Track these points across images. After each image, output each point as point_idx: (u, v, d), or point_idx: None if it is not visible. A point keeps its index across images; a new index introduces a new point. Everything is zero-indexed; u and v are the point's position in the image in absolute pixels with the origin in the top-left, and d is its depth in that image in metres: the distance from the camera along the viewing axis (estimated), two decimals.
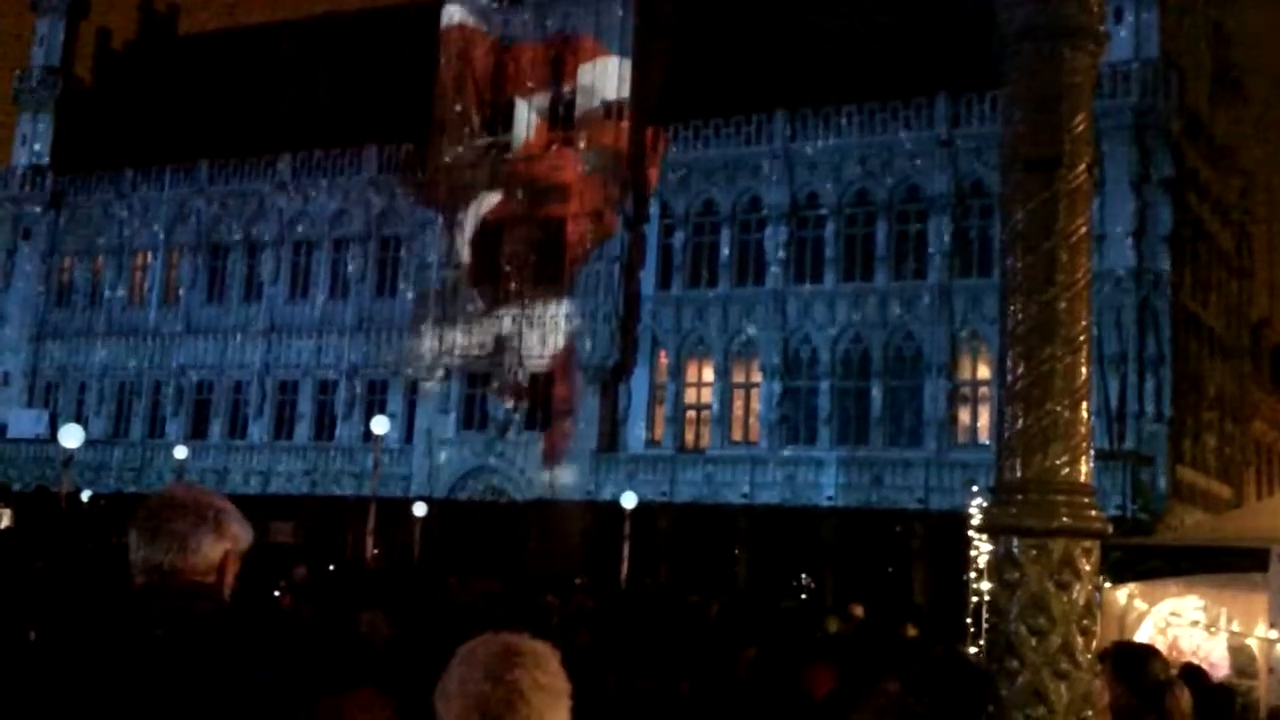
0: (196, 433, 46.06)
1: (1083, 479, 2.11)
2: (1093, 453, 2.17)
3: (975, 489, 20.69)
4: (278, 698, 2.60)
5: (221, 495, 2.89)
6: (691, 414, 39.66)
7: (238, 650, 2.62)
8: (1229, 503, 35.50)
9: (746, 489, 37.17)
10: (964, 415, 35.90)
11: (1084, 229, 2.18)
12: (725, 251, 39.35)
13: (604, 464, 39.19)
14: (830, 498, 36.13)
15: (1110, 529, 2.14)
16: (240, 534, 2.81)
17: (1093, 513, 2.11)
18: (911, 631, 15.17)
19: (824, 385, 37.28)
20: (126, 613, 2.60)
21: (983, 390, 34.85)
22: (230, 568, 2.77)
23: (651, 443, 39.57)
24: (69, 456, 25.10)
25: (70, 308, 50.24)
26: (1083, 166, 2.18)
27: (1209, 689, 7.15)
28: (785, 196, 38.54)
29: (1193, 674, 7.30)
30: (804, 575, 35.76)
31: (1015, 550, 2.09)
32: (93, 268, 50.20)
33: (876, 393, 36.74)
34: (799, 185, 38.62)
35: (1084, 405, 2.13)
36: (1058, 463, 2.10)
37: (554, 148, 41.36)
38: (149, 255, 49.19)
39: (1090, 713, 2.07)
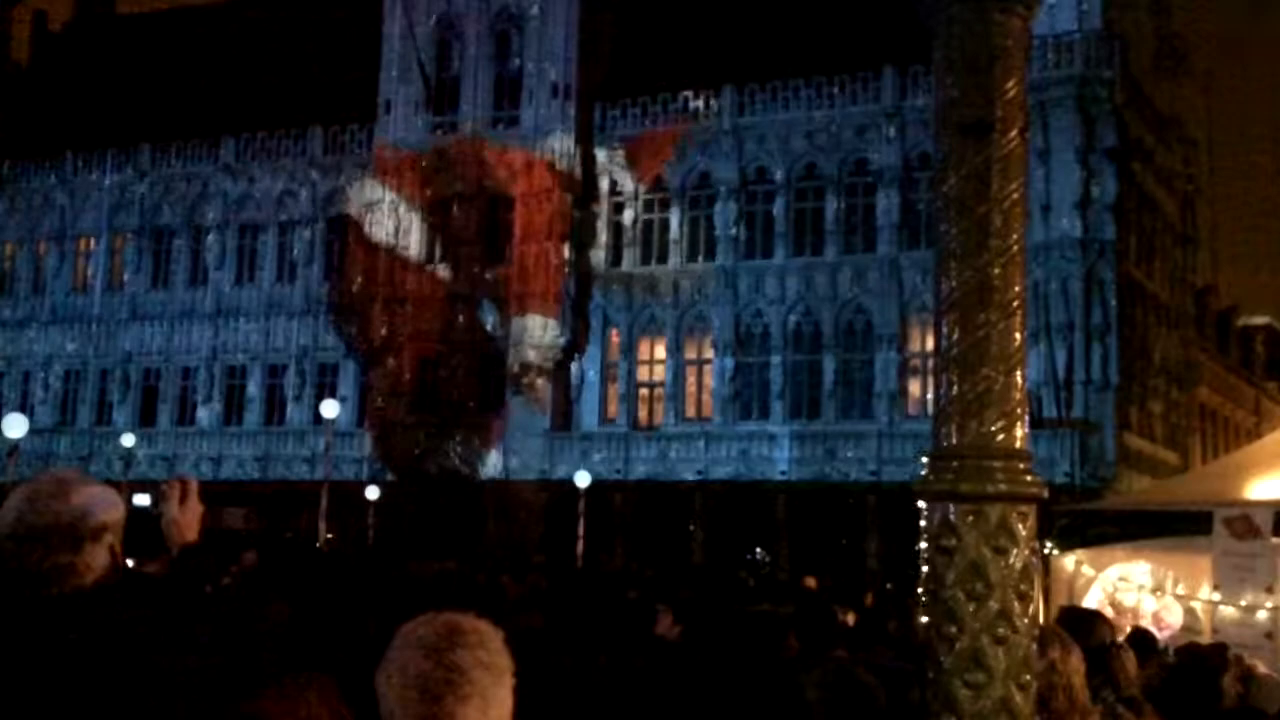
0: (145, 420, 45.56)
1: (1018, 444, 2.11)
2: (1028, 418, 2.17)
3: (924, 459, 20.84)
4: (212, 683, 2.57)
5: (80, 477, 2.77)
6: (644, 391, 39.70)
7: (162, 640, 2.58)
8: (1176, 468, 35.98)
9: (701, 465, 37.29)
10: (914, 387, 36.17)
11: (1017, 194, 2.18)
12: (675, 228, 39.36)
13: (558, 443, 39.16)
14: (784, 472, 36.32)
15: (1046, 493, 2.15)
16: (115, 518, 2.72)
17: (1029, 477, 2.11)
18: (809, 583, 15.32)
19: (776, 360, 37.42)
20: (38, 619, 2.54)
21: (932, 362, 34.99)
22: (118, 550, 2.72)
23: (605, 421, 39.58)
24: (14, 446, 24.74)
25: (12, 295, 49.49)
26: (1015, 131, 2.18)
27: (1156, 651, 7.26)
28: (734, 172, 38.57)
29: (1141, 638, 7.42)
30: (758, 549, 35.97)
31: (952, 516, 2.09)
32: (34, 254, 49.45)
33: (828, 366, 36.95)
34: (748, 160, 38.66)
35: (1019, 371, 2.13)
36: (993, 428, 2.10)
37: (501, 126, 41.15)
38: (92, 241, 48.51)
39: (1028, 676, 2.08)
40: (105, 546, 2.68)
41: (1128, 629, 8.28)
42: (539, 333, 39.55)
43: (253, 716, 2.40)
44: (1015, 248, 2.17)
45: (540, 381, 39.64)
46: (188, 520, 2.80)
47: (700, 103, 39.23)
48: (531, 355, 39.66)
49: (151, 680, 2.52)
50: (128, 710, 2.47)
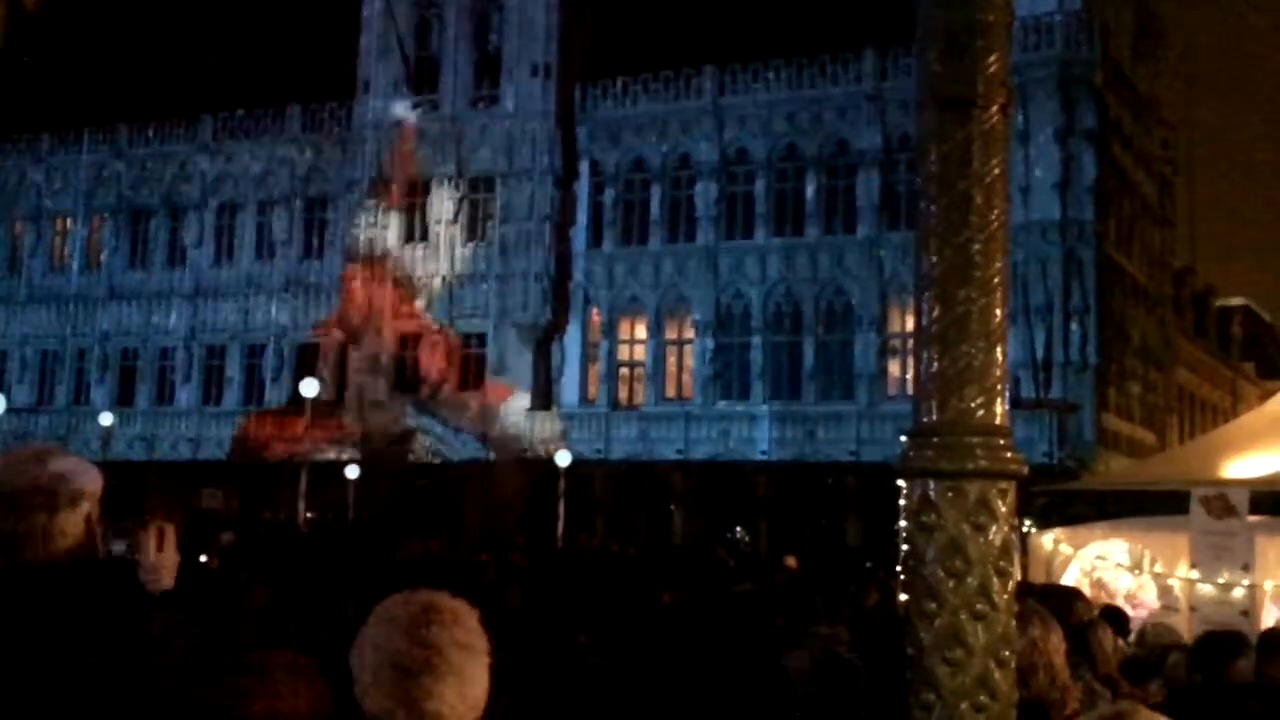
0: (123, 399, 45.34)
1: (998, 421, 2.11)
2: (1008, 395, 2.16)
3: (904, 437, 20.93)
4: (192, 662, 2.55)
5: (54, 449, 2.74)
6: (625, 371, 39.70)
7: (139, 617, 2.56)
8: (1153, 449, 36.20)
9: (681, 445, 37.33)
10: (894, 367, 36.27)
11: (999, 170, 2.17)
12: (656, 208, 39.30)
13: (538, 422, 39.12)
14: (764, 452, 36.39)
15: (1026, 470, 2.14)
16: (94, 488, 2.70)
17: (1008, 454, 2.11)
18: (790, 562, 15.35)
19: (756, 340, 37.45)
20: (8, 586, 2.52)
21: (912, 343, 35.07)
22: (94, 520, 2.69)
23: (586, 400, 39.58)
24: None
25: None
26: (997, 107, 2.17)
27: (1127, 630, 7.31)
28: (715, 152, 38.51)
29: (1113, 615, 7.46)
30: (738, 529, 36.06)
31: (932, 493, 2.09)
32: (11, 234, 49.09)
33: (808, 347, 37.00)
34: (729, 141, 38.61)
35: (999, 348, 2.12)
36: (973, 405, 2.09)
37: (480, 105, 40.98)
38: (69, 221, 48.20)
39: (1007, 653, 2.08)
40: (82, 515, 2.66)
41: (1102, 606, 8.32)
42: (520, 312, 39.50)
43: (233, 697, 2.38)
44: (996, 224, 2.16)
45: (521, 361, 39.59)
46: (166, 565, 2.78)
47: (681, 82, 39.14)
48: (513, 334, 39.61)
49: (130, 658, 2.50)
50: (103, 688, 2.45)
